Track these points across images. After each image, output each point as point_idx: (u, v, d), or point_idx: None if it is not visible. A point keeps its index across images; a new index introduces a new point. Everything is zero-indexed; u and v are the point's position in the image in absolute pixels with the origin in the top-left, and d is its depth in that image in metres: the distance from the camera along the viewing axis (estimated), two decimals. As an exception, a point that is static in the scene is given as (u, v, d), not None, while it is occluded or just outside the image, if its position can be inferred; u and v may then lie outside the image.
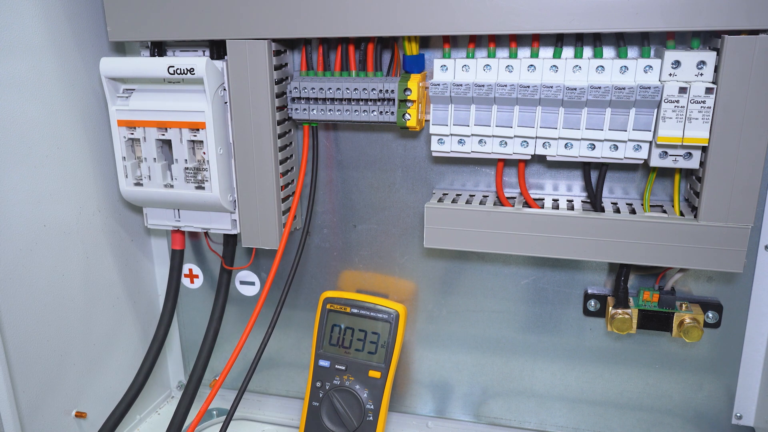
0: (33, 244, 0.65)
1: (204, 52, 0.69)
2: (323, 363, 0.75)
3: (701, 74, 0.56)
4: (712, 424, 0.73)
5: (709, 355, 0.70)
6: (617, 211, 0.63)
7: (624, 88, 0.56)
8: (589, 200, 0.66)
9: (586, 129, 0.59)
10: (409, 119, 0.63)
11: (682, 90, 0.55)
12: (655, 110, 0.57)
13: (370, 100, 0.64)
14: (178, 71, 0.63)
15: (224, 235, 0.75)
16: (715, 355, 0.70)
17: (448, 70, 0.61)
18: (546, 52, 0.62)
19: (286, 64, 0.68)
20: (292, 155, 0.72)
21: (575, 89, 0.57)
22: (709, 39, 0.58)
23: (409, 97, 0.62)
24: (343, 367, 0.74)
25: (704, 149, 0.57)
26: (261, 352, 0.70)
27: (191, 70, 0.63)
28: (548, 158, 0.62)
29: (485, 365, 0.78)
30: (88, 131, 0.71)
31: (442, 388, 0.81)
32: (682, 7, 0.53)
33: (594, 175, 0.66)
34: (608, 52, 0.61)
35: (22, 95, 0.63)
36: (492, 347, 0.77)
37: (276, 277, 0.70)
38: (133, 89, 0.68)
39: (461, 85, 0.60)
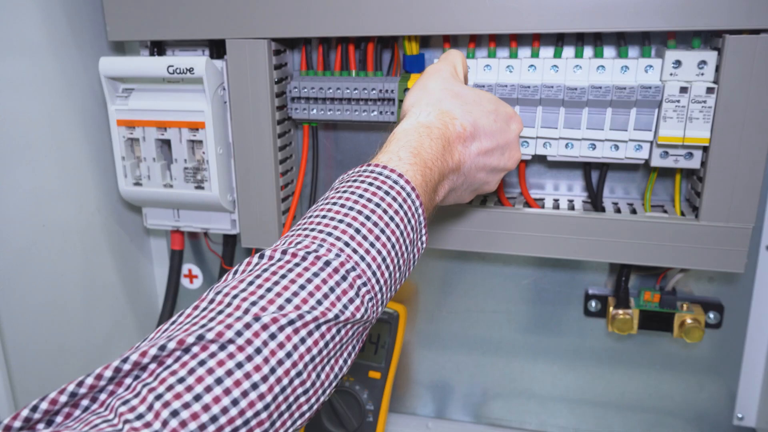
0: (32, 244, 0.65)
1: (203, 51, 0.68)
2: (323, 363, 0.75)
3: (702, 74, 0.55)
4: (713, 425, 0.72)
5: (711, 356, 0.70)
6: (618, 211, 0.63)
7: (625, 88, 0.56)
8: (589, 200, 0.66)
9: (587, 129, 0.59)
10: (409, 119, 0.63)
11: (683, 90, 0.55)
12: (656, 110, 0.56)
13: (370, 99, 0.64)
14: (178, 71, 0.63)
15: (224, 235, 0.75)
16: (717, 356, 0.70)
17: (449, 70, 0.61)
18: (546, 51, 0.62)
19: (286, 64, 0.68)
20: (291, 155, 0.71)
21: (576, 89, 0.57)
22: (710, 38, 0.57)
23: (409, 97, 0.62)
24: (343, 368, 0.74)
25: (705, 149, 0.57)
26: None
27: (191, 70, 0.63)
28: (549, 158, 0.62)
29: (485, 366, 0.78)
30: (88, 131, 0.71)
31: (442, 389, 0.80)
32: (683, 7, 0.52)
33: (595, 175, 0.65)
34: (609, 51, 0.60)
35: (22, 95, 0.63)
36: (492, 348, 0.77)
37: (276, 277, 0.70)
38: (133, 89, 0.68)
39: (461, 84, 0.60)
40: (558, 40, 0.60)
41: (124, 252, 0.79)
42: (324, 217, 0.39)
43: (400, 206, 0.41)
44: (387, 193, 0.41)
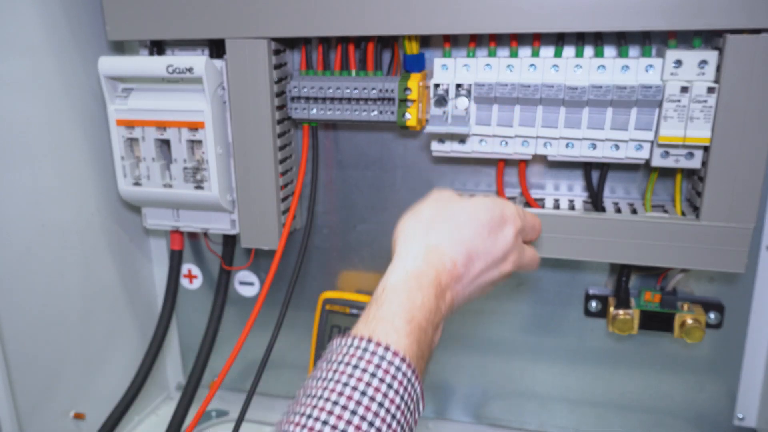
0: (31, 244, 0.65)
1: (203, 51, 0.68)
2: (323, 364, 0.74)
3: (703, 73, 0.55)
4: (713, 425, 0.72)
5: (711, 356, 0.70)
6: (618, 211, 0.63)
7: (625, 88, 0.56)
8: (590, 200, 0.66)
9: (587, 128, 0.59)
10: (409, 119, 0.63)
11: (684, 89, 0.55)
12: (657, 110, 0.56)
13: (370, 99, 0.63)
14: (177, 70, 0.63)
15: (223, 235, 0.75)
16: (717, 356, 0.70)
17: (449, 70, 0.61)
18: (547, 51, 0.61)
19: (286, 63, 0.68)
20: (291, 155, 0.71)
21: (576, 88, 0.57)
22: (711, 38, 0.57)
23: (409, 97, 0.62)
24: (343, 368, 0.74)
25: (706, 149, 0.57)
26: (268, 355, 0.69)
27: (190, 70, 0.63)
28: (549, 158, 0.62)
29: (486, 366, 0.78)
30: (87, 131, 0.71)
31: (442, 390, 0.80)
32: (684, 6, 0.52)
33: (595, 174, 0.65)
34: (609, 51, 0.60)
35: (21, 95, 0.63)
36: (492, 348, 0.77)
37: (275, 277, 0.69)
38: (132, 89, 0.68)
39: (462, 84, 0.60)
40: (558, 39, 0.60)
41: (124, 252, 0.79)
42: (326, 422, 0.37)
43: (402, 398, 0.40)
44: (390, 386, 0.39)
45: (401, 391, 0.40)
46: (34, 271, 0.66)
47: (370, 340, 0.41)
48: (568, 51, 0.60)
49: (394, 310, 0.43)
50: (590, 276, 0.71)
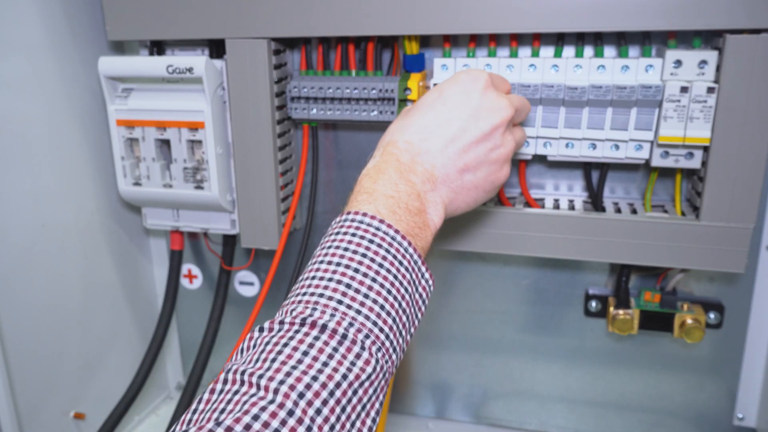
0: (31, 244, 0.65)
1: (203, 51, 0.68)
2: (323, 364, 0.74)
3: (703, 73, 0.55)
4: (713, 425, 0.72)
5: (711, 356, 0.70)
6: (618, 211, 0.63)
7: (625, 88, 0.56)
8: (590, 200, 0.66)
9: (587, 128, 0.59)
10: (409, 119, 0.63)
11: (684, 89, 0.55)
12: (657, 110, 0.56)
13: (370, 99, 0.63)
14: (177, 71, 0.63)
15: (223, 235, 0.75)
16: (717, 356, 0.70)
17: (449, 70, 0.61)
18: (547, 51, 0.61)
19: (286, 64, 0.68)
20: (291, 155, 0.71)
21: (576, 88, 0.57)
22: (711, 38, 0.57)
23: (409, 97, 0.62)
24: (343, 368, 0.74)
25: (706, 149, 0.57)
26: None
27: (190, 70, 0.63)
28: (549, 158, 0.62)
29: (485, 366, 0.78)
30: (87, 131, 0.71)
31: (442, 389, 0.80)
32: (684, 6, 0.52)
33: (595, 174, 0.65)
34: (609, 51, 0.60)
35: (21, 95, 0.63)
36: (492, 348, 0.77)
37: (275, 277, 0.69)
38: (132, 89, 0.68)
39: (461, 84, 0.60)
40: (558, 39, 0.60)
41: (124, 252, 0.79)
42: (314, 278, 0.40)
43: (387, 251, 0.41)
44: (371, 241, 0.41)
45: (384, 245, 0.41)
46: (34, 271, 0.66)
47: (348, 212, 0.43)
48: (568, 51, 0.61)
49: (356, 191, 0.45)
50: (590, 276, 0.71)
